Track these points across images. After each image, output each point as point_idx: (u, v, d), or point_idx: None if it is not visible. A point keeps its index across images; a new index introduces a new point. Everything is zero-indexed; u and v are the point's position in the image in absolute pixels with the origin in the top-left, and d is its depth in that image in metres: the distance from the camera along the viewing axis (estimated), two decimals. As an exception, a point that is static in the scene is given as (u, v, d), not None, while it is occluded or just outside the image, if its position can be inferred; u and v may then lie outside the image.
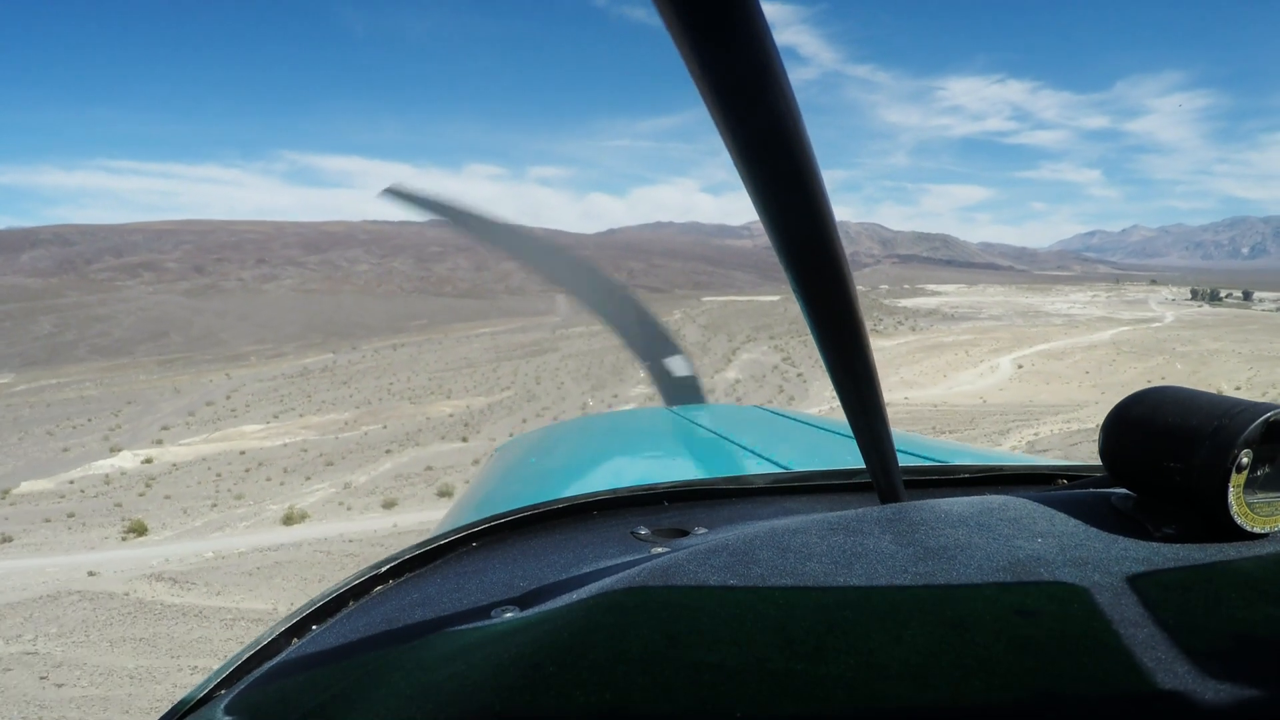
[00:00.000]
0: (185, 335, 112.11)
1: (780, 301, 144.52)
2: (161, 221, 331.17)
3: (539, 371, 62.61)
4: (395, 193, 2.15)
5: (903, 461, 0.65)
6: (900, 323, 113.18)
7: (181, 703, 0.54)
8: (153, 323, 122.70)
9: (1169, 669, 0.36)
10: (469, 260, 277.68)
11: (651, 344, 2.40)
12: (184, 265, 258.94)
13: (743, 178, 0.36)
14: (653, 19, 0.30)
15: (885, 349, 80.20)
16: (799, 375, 61.00)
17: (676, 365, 2.33)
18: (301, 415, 48.80)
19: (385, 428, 44.52)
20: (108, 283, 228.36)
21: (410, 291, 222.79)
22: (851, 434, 0.57)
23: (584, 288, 2.51)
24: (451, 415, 47.34)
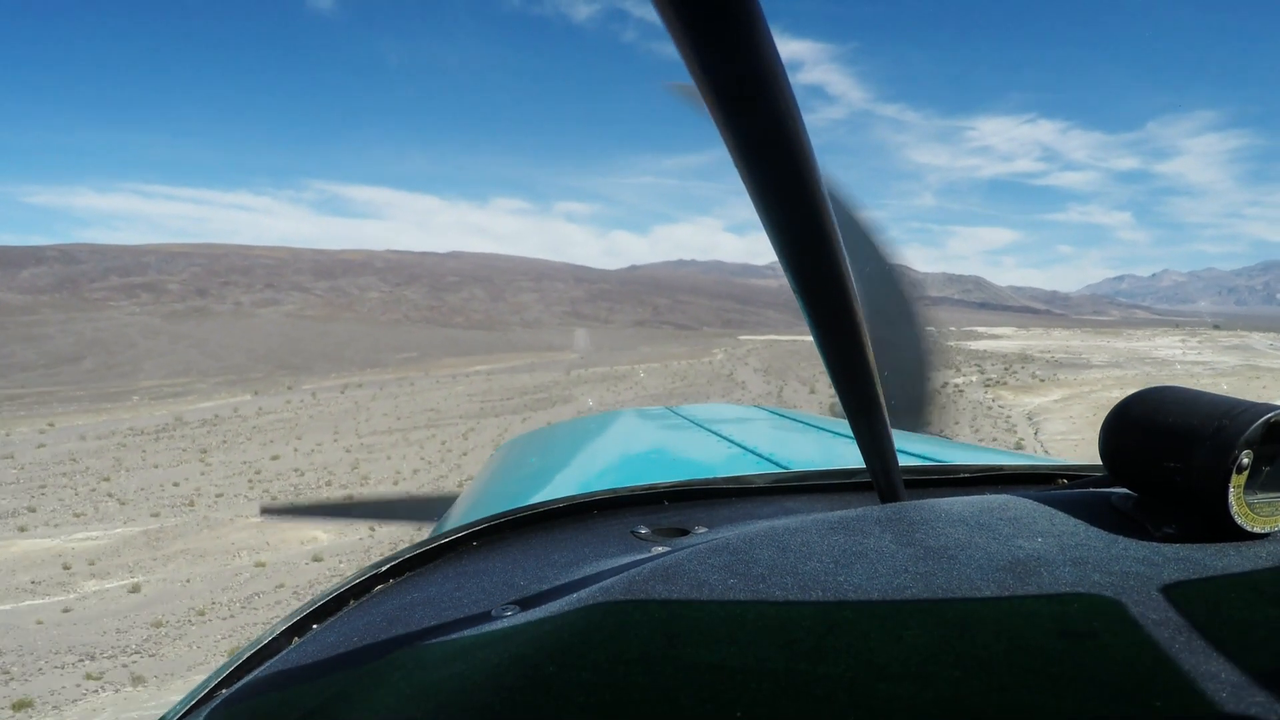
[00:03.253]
0: (103, 362, 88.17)
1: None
2: (176, 244, 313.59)
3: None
4: (270, 510, 2.62)
5: (903, 461, 0.64)
6: (1008, 369, 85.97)
7: (182, 702, 0.52)
8: (83, 345, 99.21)
9: (1169, 669, 0.36)
10: (485, 291, 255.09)
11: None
12: (187, 288, 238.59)
13: (743, 178, 0.35)
14: (671, 49, 0.29)
15: (1049, 409, 53.43)
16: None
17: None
18: (6, 539, 23.43)
19: (137, 589, 18.86)
20: (101, 302, 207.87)
21: (416, 320, 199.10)
22: (851, 434, 0.56)
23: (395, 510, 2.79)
24: (318, 559, 21.73)
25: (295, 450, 35.13)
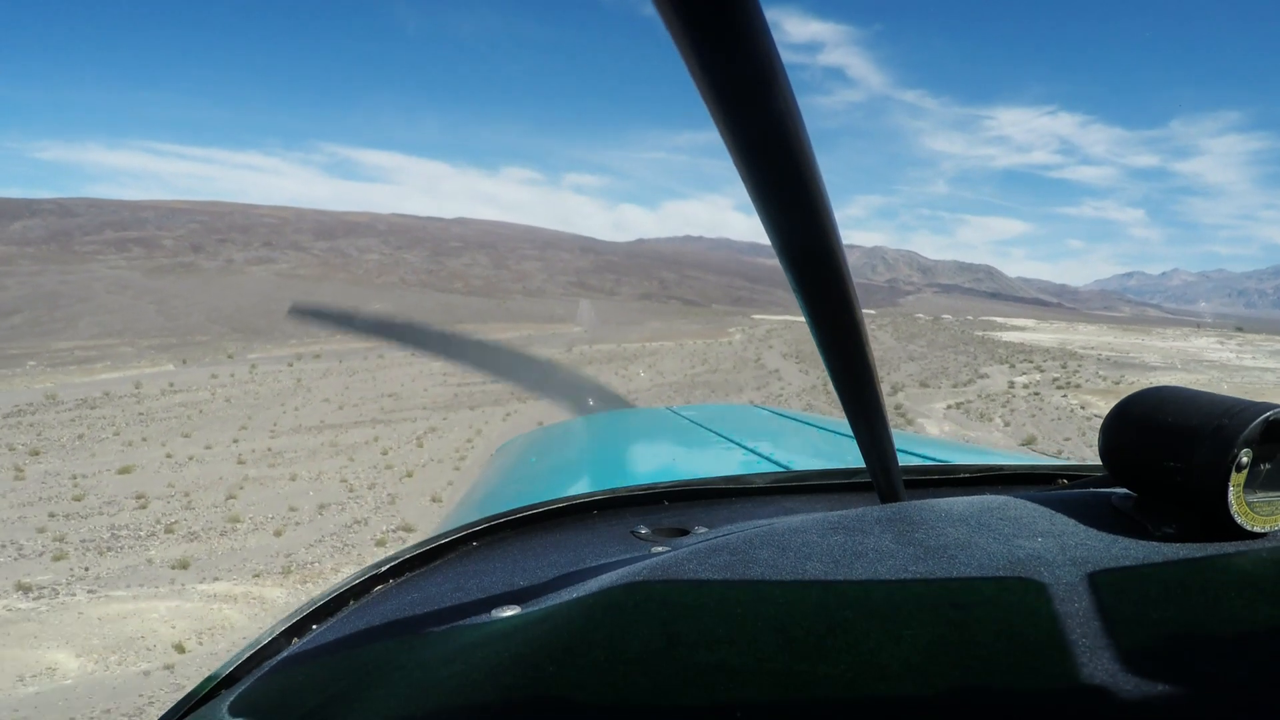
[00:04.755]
0: (36, 318, 77.35)
1: (868, 324, 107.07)
2: (178, 201, 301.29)
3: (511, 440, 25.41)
4: (300, 310, 2.14)
5: (903, 461, 0.63)
6: (1065, 368, 74.73)
7: (182, 702, 0.52)
8: (31, 299, 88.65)
9: (1169, 669, 0.35)
10: (488, 257, 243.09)
11: (572, 390, 2.40)
12: (181, 244, 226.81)
13: (743, 178, 0.35)
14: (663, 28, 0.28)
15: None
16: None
17: (592, 398, 2.37)
18: None
19: None
20: (89, 256, 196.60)
21: (412, 284, 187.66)
22: (851, 434, 0.55)
23: (496, 363, 2.52)
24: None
25: (167, 456, 23.85)
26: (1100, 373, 71.35)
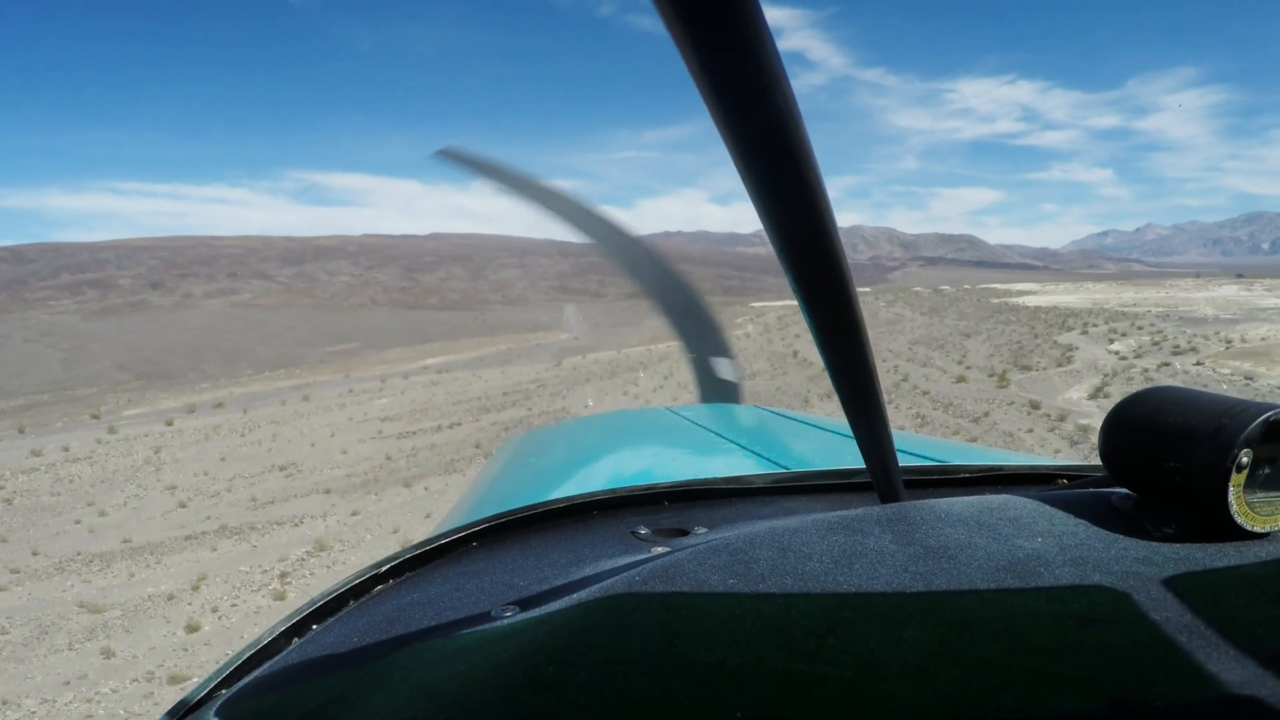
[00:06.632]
0: None
1: (876, 300, 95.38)
2: (140, 239, 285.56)
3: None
4: (448, 154, 2.02)
5: (903, 461, 0.63)
6: (1140, 329, 62.59)
7: (182, 702, 0.51)
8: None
9: (1168, 668, 0.35)
10: (465, 270, 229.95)
11: (703, 339, 2.27)
12: (140, 282, 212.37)
13: (743, 178, 0.34)
14: (656, 27, 0.28)
15: None
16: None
17: (723, 368, 2.25)
18: None
19: None
20: (38, 302, 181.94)
21: (384, 304, 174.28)
22: (851, 434, 0.55)
23: (641, 269, 2.26)
24: None
25: None
26: (1187, 331, 59.20)
